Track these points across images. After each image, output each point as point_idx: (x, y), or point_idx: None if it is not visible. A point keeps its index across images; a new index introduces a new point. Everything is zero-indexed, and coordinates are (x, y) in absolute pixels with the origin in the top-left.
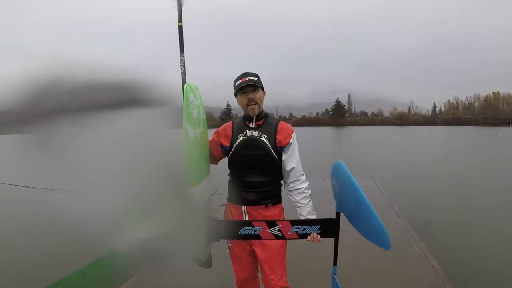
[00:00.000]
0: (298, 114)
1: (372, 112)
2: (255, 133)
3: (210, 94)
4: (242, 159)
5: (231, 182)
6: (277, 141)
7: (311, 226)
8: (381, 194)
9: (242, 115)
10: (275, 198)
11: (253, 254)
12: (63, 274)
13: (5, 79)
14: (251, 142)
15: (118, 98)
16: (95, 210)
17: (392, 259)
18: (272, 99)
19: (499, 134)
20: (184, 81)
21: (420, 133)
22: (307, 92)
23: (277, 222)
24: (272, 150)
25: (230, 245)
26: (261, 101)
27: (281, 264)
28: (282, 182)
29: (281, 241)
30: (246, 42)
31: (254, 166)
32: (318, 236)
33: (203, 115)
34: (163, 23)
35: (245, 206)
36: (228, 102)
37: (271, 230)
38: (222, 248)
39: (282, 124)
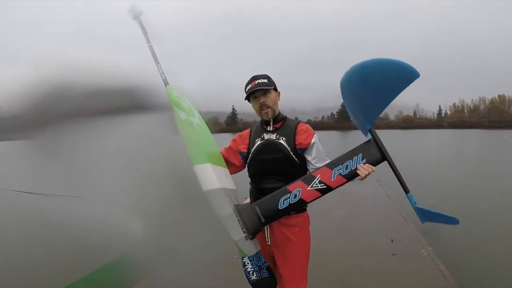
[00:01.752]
0: (303, 118)
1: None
2: (273, 136)
3: (216, 99)
4: (260, 164)
5: (251, 191)
6: (296, 143)
7: (352, 159)
8: (387, 198)
9: (258, 120)
10: (298, 208)
11: (273, 259)
12: (70, 280)
13: (11, 85)
14: (269, 146)
15: (124, 103)
16: (101, 215)
17: (400, 263)
18: (278, 103)
19: (505, 136)
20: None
21: (425, 137)
22: (312, 97)
23: (314, 174)
24: (292, 153)
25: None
26: (275, 103)
27: (302, 272)
28: None
29: (303, 249)
30: (252, 48)
31: (273, 171)
32: (367, 165)
33: (196, 112)
34: (164, 28)
35: None
36: (233, 106)
37: (312, 187)
38: (229, 254)
39: (302, 125)
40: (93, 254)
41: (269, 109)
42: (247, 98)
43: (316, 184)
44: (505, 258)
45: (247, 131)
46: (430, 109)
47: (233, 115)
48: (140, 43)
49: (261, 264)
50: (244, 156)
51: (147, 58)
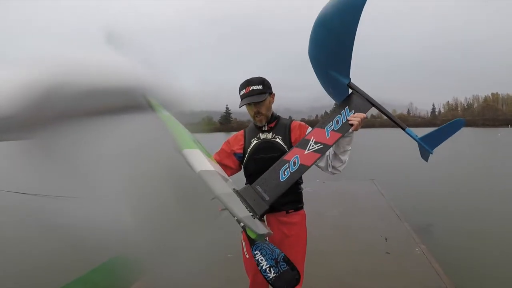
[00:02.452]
0: (297, 117)
1: (372, 115)
2: (269, 135)
3: (211, 98)
4: (257, 163)
5: None
6: (292, 140)
7: (341, 113)
8: (382, 197)
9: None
10: (296, 203)
11: None
12: (65, 280)
13: (8, 84)
14: (266, 145)
15: (122, 103)
16: (99, 216)
17: (394, 263)
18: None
19: (499, 134)
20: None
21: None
22: (307, 96)
23: (307, 137)
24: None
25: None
26: (269, 108)
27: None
28: (302, 186)
29: (299, 246)
30: (248, 48)
31: None
32: (357, 113)
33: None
34: (161, 28)
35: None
36: (227, 106)
37: (309, 150)
38: (231, 252)
39: (295, 122)
40: (90, 254)
41: (263, 117)
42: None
43: (312, 145)
44: (499, 256)
45: (241, 133)
46: (424, 108)
47: (227, 114)
48: (138, 42)
49: (276, 257)
50: (240, 157)
51: (145, 57)
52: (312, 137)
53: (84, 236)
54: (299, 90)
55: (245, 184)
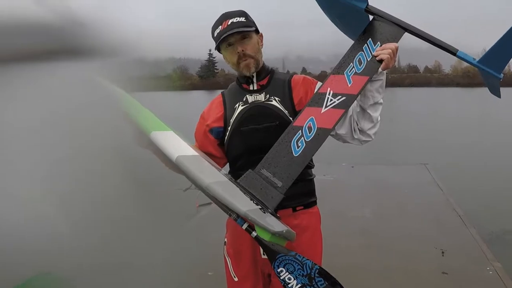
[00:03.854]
0: (315, 69)
1: (426, 67)
2: (261, 97)
3: (187, 41)
4: (247, 138)
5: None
6: (295, 101)
7: (363, 50)
8: (437, 189)
9: (235, 79)
10: (307, 197)
11: (269, 278)
12: None
13: None
14: (257, 110)
15: (46, 46)
16: (9, 214)
17: (454, 287)
18: (276, 48)
19: None
20: None
21: (497, 99)
22: (327, 37)
23: (320, 91)
24: (291, 118)
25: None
26: (258, 50)
27: None
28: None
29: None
30: None
31: (267, 147)
32: (385, 44)
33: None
34: None
35: None
36: (210, 51)
37: (328, 106)
38: (207, 266)
39: (296, 77)
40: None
41: (251, 60)
42: (218, 46)
43: (331, 100)
44: None
45: (217, 99)
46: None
47: (210, 64)
48: None
49: (309, 272)
50: (219, 134)
51: None
52: (329, 89)
53: None
54: (316, 25)
55: (228, 173)
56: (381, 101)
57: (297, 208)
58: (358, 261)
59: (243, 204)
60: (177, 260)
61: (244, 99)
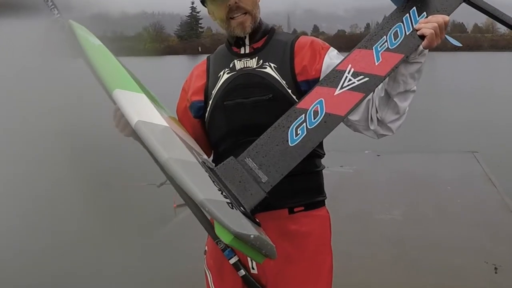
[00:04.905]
0: (330, 28)
1: (476, 25)
2: (252, 63)
3: None
4: (231, 117)
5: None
6: (297, 71)
7: (403, 21)
8: (489, 185)
9: (225, 40)
10: (310, 194)
11: None
12: None
13: None
14: (246, 80)
15: None
16: None
17: None
18: (279, 1)
19: None
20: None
21: None
22: None
23: (339, 67)
24: (290, 90)
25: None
26: (255, 4)
27: None
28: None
29: (317, 282)
30: None
31: (256, 128)
32: (432, 16)
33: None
34: None
35: None
36: (193, 4)
37: (344, 88)
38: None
39: (303, 39)
40: None
41: (246, 16)
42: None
43: (349, 79)
44: None
45: (201, 65)
46: None
47: (193, 21)
48: None
49: None
50: (199, 110)
51: None
52: (349, 65)
53: None
54: None
55: (208, 161)
56: (414, 88)
57: (296, 209)
58: (384, 278)
59: (205, 191)
60: (145, 278)
61: (231, 66)
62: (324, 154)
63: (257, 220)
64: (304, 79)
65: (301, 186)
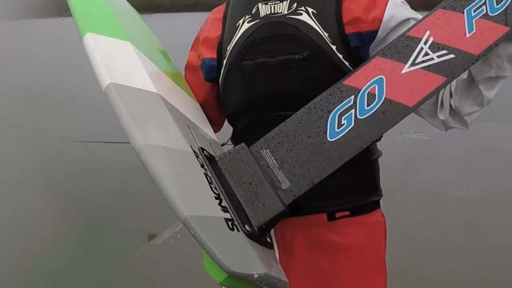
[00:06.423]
0: None
1: None
2: (282, 7)
3: None
4: (251, 82)
5: None
6: (344, 20)
7: None
8: None
9: None
10: (359, 194)
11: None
12: None
13: None
14: (272, 31)
15: None
16: None
17: None
18: None
19: None
20: None
21: None
22: None
23: (410, 33)
24: (334, 46)
25: None
26: None
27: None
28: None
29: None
30: None
31: (284, 99)
32: None
33: None
34: None
35: None
36: None
37: (417, 64)
38: None
39: None
40: None
41: None
42: None
43: (426, 53)
44: None
45: (217, 11)
46: None
47: None
48: None
49: None
50: (211, 69)
51: None
52: (427, 32)
53: None
54: None
55: (219, 146)
56: (507, 74)
57: (338, 215)
58: (455, 269)
59: (192, 201)
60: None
61: (253, 11)
62: (381, 137)
63: (268, 239)
64: (355, 31)
65: (348, 182)
